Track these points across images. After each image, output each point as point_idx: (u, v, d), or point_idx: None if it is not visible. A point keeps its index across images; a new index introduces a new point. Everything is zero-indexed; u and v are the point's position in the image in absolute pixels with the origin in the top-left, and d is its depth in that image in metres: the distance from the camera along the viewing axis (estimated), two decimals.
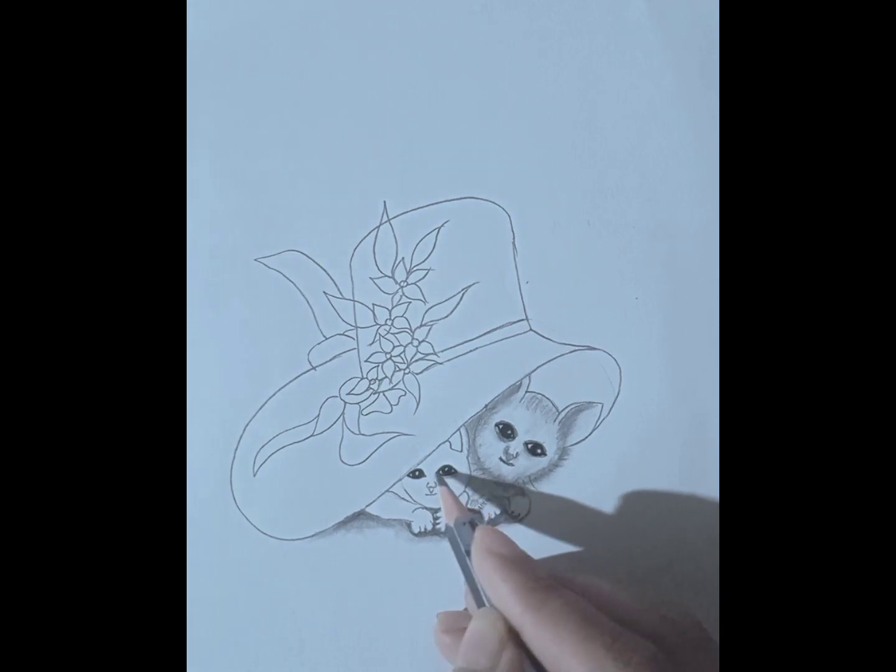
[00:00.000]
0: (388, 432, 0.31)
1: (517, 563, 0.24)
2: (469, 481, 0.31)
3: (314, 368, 0.31)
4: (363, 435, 0.31)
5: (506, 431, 0.31)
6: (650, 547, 0.30)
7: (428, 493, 0.31)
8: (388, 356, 0.31)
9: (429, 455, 0.31)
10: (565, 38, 0.32)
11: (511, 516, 0.31)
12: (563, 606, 0.23)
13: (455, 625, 0.27)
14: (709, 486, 0.30)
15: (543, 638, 0.22)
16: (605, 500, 0.30)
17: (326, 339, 0.31)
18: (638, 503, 0.30)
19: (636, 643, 0.22)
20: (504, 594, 0.24)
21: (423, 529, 0.30)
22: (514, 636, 0.23)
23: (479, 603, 0.25)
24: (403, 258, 0.31)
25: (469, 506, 0.31)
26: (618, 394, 0.31)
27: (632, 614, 0.24)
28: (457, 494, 0.30)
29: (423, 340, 0.31)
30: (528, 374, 0.31)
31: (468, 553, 0.26)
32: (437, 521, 0.31)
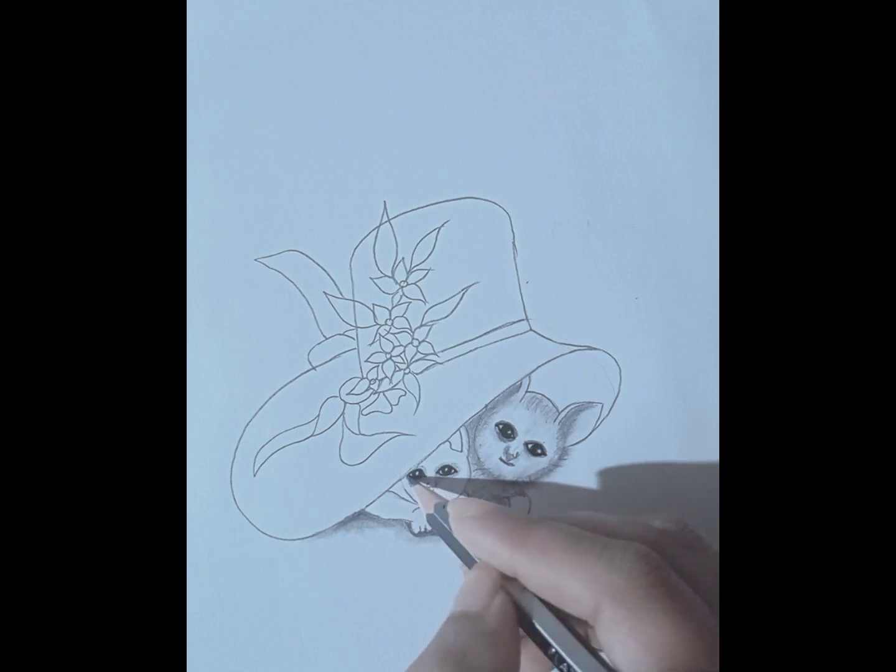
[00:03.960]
0: (388, 432, 0.31)
1: (493, 514, 0.25)
2: (469, 481, 0.31)
3: (314, 368, 0.31)
4: (363, 435, 0.31)
5: (506, 431, 0.31)
6: None
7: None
8: (388, 356, 0.31)
9: (429, 455, 0.31)
10: (565, 38, 0.32)
11: None
12: (548, 533, 0.23)
13: None
14: (709, 485, 0.30)
15: (537, 568, 0.23)
16: (606, 500, 0.30)
17: (326, 339, 0.31)
18: (638, 503, 0.30)
19: (626, 546, 0.22)
20: (489, 545, 0.24)
21: (423, 529, 0.30)
22: (507, 587, 0.24)
23: None
24: (403, 258, 0.31)
25: None
26: (618, 394, 0.31)
27: (619, 531, 0.24)
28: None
29: (423, 340, 0.31)
30: (528, 374, 0.31)
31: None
32: None
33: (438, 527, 0.27)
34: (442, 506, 0.27)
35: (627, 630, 0.21)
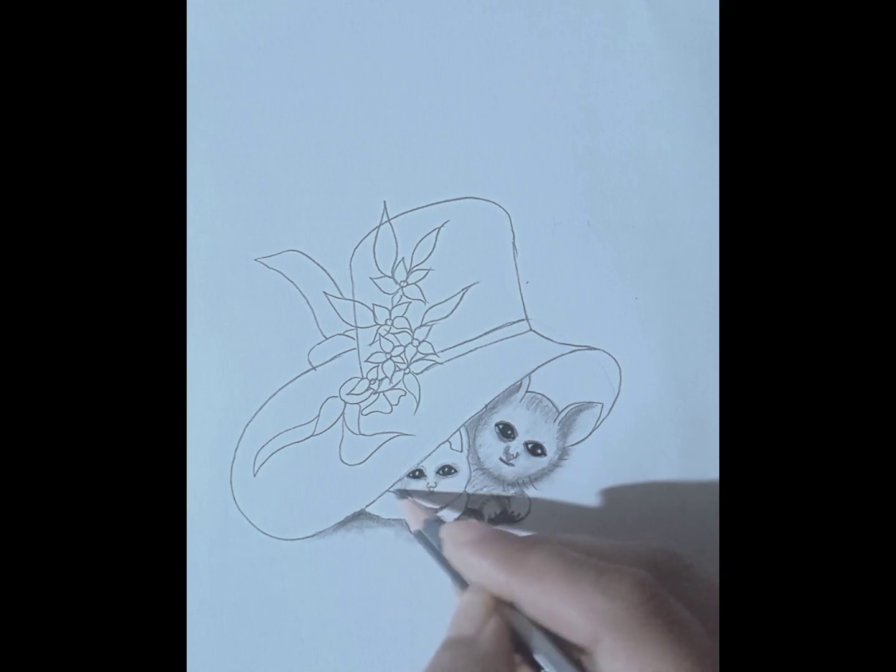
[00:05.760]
0: (388, 432, 0.31)
1: (489, 539, 0.25)
2: (468, 482, 0.31)
3: (314, 368, 0.31)
4: (363, 435, 0.31)
5: (506, 431, 0.31)
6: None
7: (428, 492, 0.31)
8: (389, 356, 0.31)
9: (429, 455, 0.31)
10: (565, 38, 0.32)
11: (511, 517, 0.31)
12: (545, 558, 0.23)
13: None
14: (709, 486, 0.30)
15: (533, 594, 0.23)
16: (606, 501, 0.30)
17: (326, 339, 0.31)
18: (638, 503, 0.30)
19: (622, 572, 0.22)
20: (485, 570, 0.24)
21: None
22: (501, 611, 0.23)
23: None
24: (403, 258, 0.31)
25: (469, 506, 0.31)
26: (618, 394, 0.31)
27: (613, 556, 0.24)
28: (457, 495, 0.30)
29: (423, 340, 0.31)
30: (528, 374, 0.31)
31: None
32: None
33: (427, 545, 0.27)
34: (432, 521, 0.27)
35: (626, 659, 0.21)
